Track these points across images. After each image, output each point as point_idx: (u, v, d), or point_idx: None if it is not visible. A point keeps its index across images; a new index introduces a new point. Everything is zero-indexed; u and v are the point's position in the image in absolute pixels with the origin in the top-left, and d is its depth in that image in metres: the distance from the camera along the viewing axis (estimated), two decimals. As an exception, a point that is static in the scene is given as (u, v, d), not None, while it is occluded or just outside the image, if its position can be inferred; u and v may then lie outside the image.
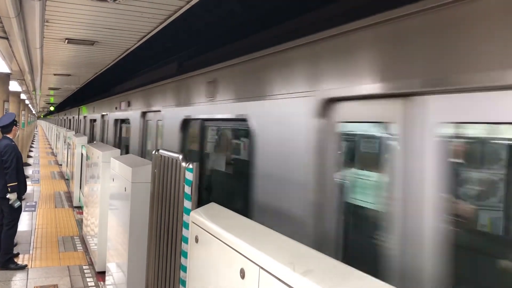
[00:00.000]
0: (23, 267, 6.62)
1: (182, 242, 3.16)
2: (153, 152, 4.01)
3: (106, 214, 5.93)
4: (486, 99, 1.92)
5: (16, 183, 6.64)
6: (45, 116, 73.91)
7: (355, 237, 2.83)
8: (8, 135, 6.94)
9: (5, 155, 6.65)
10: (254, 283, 2.06)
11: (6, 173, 6.59)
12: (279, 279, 1.86)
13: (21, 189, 6.86)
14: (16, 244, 7.15)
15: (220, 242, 2.46)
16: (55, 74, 12.47)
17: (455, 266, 2.07)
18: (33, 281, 6.16)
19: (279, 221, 3.20)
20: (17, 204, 6.65)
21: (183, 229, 3.17)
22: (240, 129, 4.57)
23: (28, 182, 7.51)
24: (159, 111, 6.89)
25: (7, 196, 6.55)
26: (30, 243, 7.87)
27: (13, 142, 6.96)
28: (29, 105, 32.83)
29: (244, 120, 3.90)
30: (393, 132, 2.39)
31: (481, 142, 2.16)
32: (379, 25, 2.47)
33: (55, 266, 6.79)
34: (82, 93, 20.43)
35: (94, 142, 10.78)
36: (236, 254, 2.25)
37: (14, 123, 7.01)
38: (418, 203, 2.21)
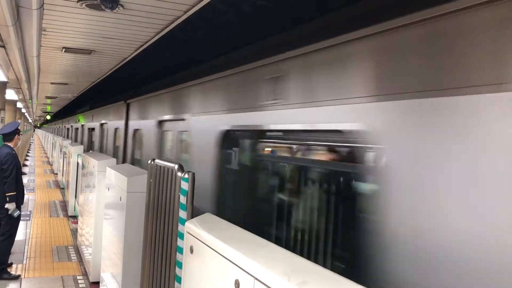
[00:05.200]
0: (16, 277, 6.54)
1: (177, 253, 3.14)
2: (149, 162, 3.99)
3: (101, 224, 5.88)
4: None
5: (14, 193, 6.57)
6: (41, 125, 73.58)
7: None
8: (9, 144, 6.90)
9: (6, 163, 6.59)
10: (249, 294, 2.04)
11: (5, 182, 6.53)
12: (274, 291, 1.84)
13: (19, 199, 6.81)
14: (10, 254, 7.08)
15: (215, 252, 2.44)
16: (52, 83, 12.46)
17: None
18: (26, 291, 6.10)
19: None
20: (16, 214, 6.59)
21: (178, 239, 3.14)
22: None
23: (25, 191, 7.45)
24: (106, 123, 11.73)
25: (6, 206, 6.49)
26: (24, 253, 7.79)
27: (14, 151, 6.91)
28: (26, 114, 32.77)
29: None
30: None
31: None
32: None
33: (48, 276, 6.72)
34: (78, 103, 20.46)
35: (90, 151, 11.82)
36: (231, 265, 2.23)
37: (17, 132, 6.98)
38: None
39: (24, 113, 29.93)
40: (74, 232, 9.41)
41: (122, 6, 4.41)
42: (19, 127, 7.12)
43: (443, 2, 2.06)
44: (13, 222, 6.68)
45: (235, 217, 3.40)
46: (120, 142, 9.26)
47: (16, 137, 6.98)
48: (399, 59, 2.34)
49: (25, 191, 7.35)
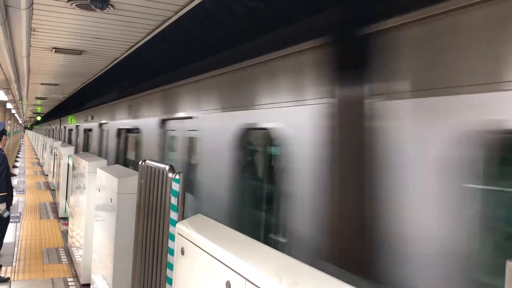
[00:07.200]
0: (6, 280, 6.47)
1: (168, 254, 3.12)
2: (140, 163, 3.97)
3: (92, 225, 5.84)
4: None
5: (5, 193, 6.52)
6: (32, 126, 72.85)
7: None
8: None
9: None
10: (240, 296, 2.03)
11: None
12: (265, 292, 1.85)
13: (8, 200, 6.75)
14: (-1, 256, 7.02)
15: (206, 254, 2.43)
16: (42, 84, 12.35)
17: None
18: (16, 294, 6.03)
19: None
20: (6, 214, 6.54)
21: (169, 240, 3.12)
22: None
23: (13, 193, 7.38)
24: (78, 125, 16.26)
25: None
26: (13, 255, 7.72)
27: (3, 151, 6.86)
28: (16, 115, 32.50)
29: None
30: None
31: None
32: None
33: (38, 278, 6.66)
34: (69, 103, 20.34)
35: (81, 152, 12.46)
36: (222, 266, 2.22)
37: (3, 132, 6.92)
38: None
39: (14, 114, 29.68)
40: (65, 234, 9.34)
41: (112, 6, 4.37)
42: (5, 128, 7.06)
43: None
44: (2, 223, 6.62)
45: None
46: (83, 138, 15.33)
47: (4, 137, 6.92)
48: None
49: (14, 193, 7.28)
